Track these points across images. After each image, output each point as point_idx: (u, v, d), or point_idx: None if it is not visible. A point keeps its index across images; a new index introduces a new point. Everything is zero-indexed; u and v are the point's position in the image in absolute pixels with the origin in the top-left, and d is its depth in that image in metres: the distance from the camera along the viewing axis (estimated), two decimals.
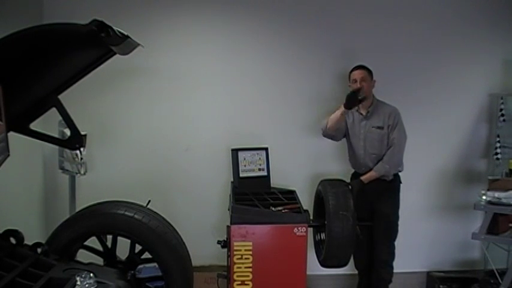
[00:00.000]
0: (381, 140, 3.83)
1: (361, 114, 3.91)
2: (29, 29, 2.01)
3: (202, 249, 3.85)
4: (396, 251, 3.93)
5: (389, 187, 3.88)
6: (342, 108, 3.74)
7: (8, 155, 2.25)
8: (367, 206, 3.84)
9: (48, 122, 3.20)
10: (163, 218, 3.03)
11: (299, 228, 3.38)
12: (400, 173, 3.93)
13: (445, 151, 4.50)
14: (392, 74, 4.34)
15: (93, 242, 3.02)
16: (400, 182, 3.94)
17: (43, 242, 2.60)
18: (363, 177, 3.82)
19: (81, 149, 3.58)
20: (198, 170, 4.30)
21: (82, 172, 3.77)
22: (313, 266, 3.66)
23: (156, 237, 2.88)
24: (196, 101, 4.28)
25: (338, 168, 4.25)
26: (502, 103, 4.36)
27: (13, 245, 2.39)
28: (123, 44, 2.13)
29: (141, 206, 3.03)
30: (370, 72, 3.86)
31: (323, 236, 3.63)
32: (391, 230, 3.89)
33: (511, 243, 4.04)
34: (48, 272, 2.23)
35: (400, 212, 3.92)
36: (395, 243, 3.92)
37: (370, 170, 3.83)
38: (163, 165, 4.27)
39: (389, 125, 3.81)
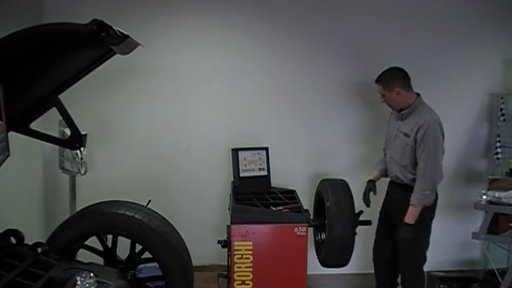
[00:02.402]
0: (404, 147, 3.41)
1: (399, 114, 3.53)
2: (29, 28, 2.01)
3: (203, 249, 3.85)
4: None
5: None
6: None
7: (9, 155, 2.25)
8: (387, 220, 3.60)
9: (48, 122, 3.20)
10: (163, 218, 3.03)
11: (299, 228, 3.38)
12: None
13: (445, 151, 4.48)
14: None
15: (93, 241, 3.03)
16: (437, 198, 3.43)
17: (43, 241, 2.60)
18: (405, 218, 3.33)
19: (82, 149, 3.59)
20: (198, 169, 4.30)
21: (82, 172, 3.77)
22: (314, 266, 3.66)
23: (157, 236, 2.88)
24: (197, 101, 4.28)
25: (338, 168, 4.25)
26: (503, 103, 4.35)
27: (13, 244, 2.39)
28: (123, 43, 2.13)
29: (142, 205, 3.03)
30: (385, 82, 3.46)
31: (323, 235, 3.63)
32: (409, 253, 3.46)
33: (511, 243, 4.04)
34: (49, 272, 2.23)
35: None
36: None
37: (395, 176, 3.52)
38: (164, 165, 4.26)
39: (416, 139, 3.34)
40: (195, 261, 3.18)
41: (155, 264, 3.01)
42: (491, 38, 4.42)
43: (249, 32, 4.29)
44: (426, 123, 3.32)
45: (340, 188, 3.56)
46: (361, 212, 3.57)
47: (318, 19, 4.30)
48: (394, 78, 3.46)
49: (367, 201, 3.60)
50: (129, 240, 2.99)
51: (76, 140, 2.74)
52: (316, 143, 4.35)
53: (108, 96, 4.18)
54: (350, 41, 4.33)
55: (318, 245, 3.76)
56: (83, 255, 2.95)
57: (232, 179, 4.07)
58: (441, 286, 4.30)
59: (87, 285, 2.06)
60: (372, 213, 3.66)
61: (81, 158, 3.72)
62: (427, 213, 3.42)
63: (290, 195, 3.86)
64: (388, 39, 4.35)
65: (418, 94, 3.52)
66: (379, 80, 3.50)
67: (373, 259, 3.77)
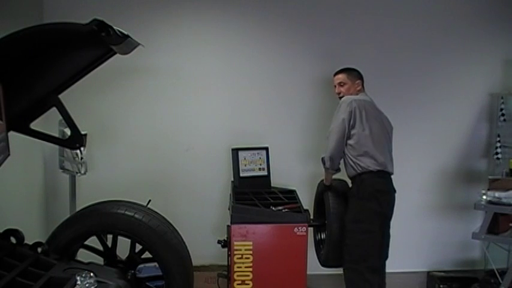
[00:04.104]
0: None
1: None
2: (29, 28, 2.01)
3: (203, 249, 3.85)
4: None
5: (351, 193, 3.47)
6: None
7: (9, 155, 2.25)
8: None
9: (49, 122, 3.20)
10: (163, 218, 3.04)
11: (299, 227, 3.39)
12: (393, 173, 3.50)
13: (445, 151, 4.49)
14: (392, 75, 4.35)
15: (93, 241, 3.03)
16: (392, 203, 3.42)
17: (43, 241, 2.60)
18: None
19: (82, 149, 3.58)
20: (199, 169, 4.30)
21: (82, 171, 3.77)
22: (314, 266, 3.66)
23: (157, 236, 2.88)
24: (197, 101, 4.28)
25: None
26: (503, 103, 4.35)
27: (13, 244, 2.39)
28: (124, 43, 2.13)
29: (142, 205, 3.04)
30: (351, 73, 3.60)
31: (323, 235, 3.64)
32: (345, 244, 3.37)
33: (511, 243, 4.04)
34: (49, 272, 2.23)
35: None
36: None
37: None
38: (164, 165, 4.26)
39: None
40: (195, 261, 3.18)
41: (155, 264, 3.01)
42: (491, 38, 4.43)
43: (249, 32, 4.30)
44: (340, 102, 3.46)
45: (340, 188, 3.56)
46: None
47: (318, 19, 4.30)
48: (361, 75, 3.61)
49: None
50: (129, 240, 2.99)
51: (76, 140, 2.73)
52: (316, 143, 4.34)
53: (108, 96, 4.18)
54: (351, 41, 4.33)
55: (318, 245, 3.77)
56: (83, 255, 2.95)
57: (232, 179, 4.07)
58: (441, 286, 4.30)
59: (87, 285, 2.06)
60: None
61: (81, 158, 3.72)
62: (373, 210, 3.31)
63: (290, 195, 3.86)
64: (388, 38, 4.35)
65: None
66: (345, 70, 3.62)
67: None
